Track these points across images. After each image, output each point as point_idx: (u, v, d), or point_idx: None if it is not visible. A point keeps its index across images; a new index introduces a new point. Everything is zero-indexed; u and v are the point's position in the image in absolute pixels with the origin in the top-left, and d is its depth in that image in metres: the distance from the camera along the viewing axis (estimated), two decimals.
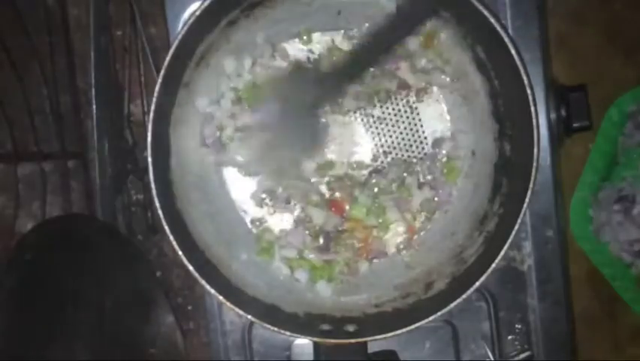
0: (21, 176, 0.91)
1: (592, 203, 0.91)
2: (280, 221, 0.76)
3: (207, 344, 0.80)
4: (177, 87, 0.69)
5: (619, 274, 0.91)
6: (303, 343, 0.77)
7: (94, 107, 0.93)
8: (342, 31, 0.75)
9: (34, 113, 0.92)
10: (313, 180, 0.76)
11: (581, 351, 0.81)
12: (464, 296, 0.66)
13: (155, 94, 0.65)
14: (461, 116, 0.75)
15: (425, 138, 0.76)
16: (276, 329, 0.67)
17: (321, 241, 0.76)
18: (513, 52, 0.65)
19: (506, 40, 0.65)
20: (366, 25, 0.74)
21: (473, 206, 0.74)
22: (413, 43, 0.74)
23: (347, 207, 0.76)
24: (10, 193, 0.89)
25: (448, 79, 0.75)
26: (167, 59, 0.65)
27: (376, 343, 0.71)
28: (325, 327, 0.69)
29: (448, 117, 0.76)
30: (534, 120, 0.65)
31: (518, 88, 0.65)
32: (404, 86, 0.75)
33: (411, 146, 0.76)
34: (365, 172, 0.77)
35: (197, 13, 0.65)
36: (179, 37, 0.65)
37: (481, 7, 0.64)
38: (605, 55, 0.94)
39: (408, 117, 0.76)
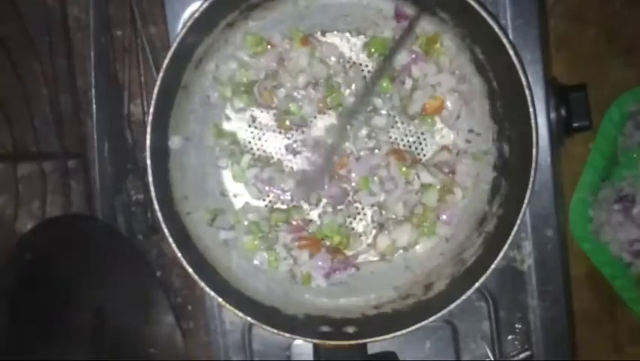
0: (21, 176, 0.90)
1: (592, 203, 0.91)
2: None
3: (207, 344, 0.80)
4: (176, 89, 0.69)
5: (619, 274, 0.91)
6: (302, 343, 0.77)
7: (94, 107, 0.93)
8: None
9: (34, 113, 0.91)
10: None
11: (581, 351, 0.81)
12: (463, 297, 0.66)
13: (154, 96, 0.65)
14: (460, 118, 0.75)
15: (424, 139, 0.76)
16: (275, 331, 0.67)
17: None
18: (511, 53, 0.65)
19: (504, 41, 0.65)
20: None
21: (472, 207, 0.74)
22: (414, 46, 0.74)
23: None
24: (10, 193, 0.89)
25: None
26: (167, 60, 0.66)
27: (376, 344, 0.71)
28: (325, 329, 0.69)
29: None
30: (533, 122, 0.65)
31: (517, 89, 0.65)
32: None
33: (410, 147, 0.76)
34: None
35: (196, 15, 0.65)
36: (179, 37, 0.65)
37: (478, 8, 0.64)
38: (605, 55, 0.94)
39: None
